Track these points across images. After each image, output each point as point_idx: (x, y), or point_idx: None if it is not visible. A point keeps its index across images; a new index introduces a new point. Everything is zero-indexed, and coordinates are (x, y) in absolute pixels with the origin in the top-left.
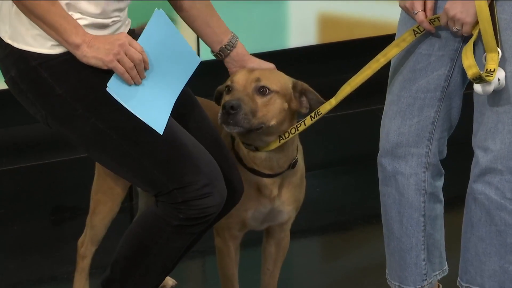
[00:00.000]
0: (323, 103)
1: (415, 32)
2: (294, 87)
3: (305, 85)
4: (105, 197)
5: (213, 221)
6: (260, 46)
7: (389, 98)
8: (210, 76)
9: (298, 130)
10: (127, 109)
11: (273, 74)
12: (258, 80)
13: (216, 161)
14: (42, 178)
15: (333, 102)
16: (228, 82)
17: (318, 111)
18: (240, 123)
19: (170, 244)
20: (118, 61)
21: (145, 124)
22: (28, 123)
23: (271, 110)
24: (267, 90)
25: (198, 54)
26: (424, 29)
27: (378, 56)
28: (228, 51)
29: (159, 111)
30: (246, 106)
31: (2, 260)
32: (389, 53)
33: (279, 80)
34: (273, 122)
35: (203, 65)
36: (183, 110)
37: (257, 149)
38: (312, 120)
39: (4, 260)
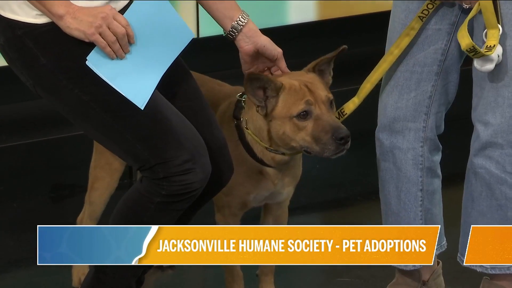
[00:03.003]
0: (332, 57)
1: (421, 18)
2: (313, 70)
3: (313, 63)
4: (103, 173)
5: (202, 201)
6: (260, 22)
7: (386, 72)
8: (208, 53)
9: None
10: None
11: (317, 81)
12: (328, 98)
13: (206, 140)
14: (42, 155)
15: (356, 101)
16: (302, 107)
17: (343, 111)
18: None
19: (155, 221)
20: (100, 34)
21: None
22: (27, 100)
23: None
24: (332, 102)
25: (198, 31)
26: (428, 13)
27: (391, 48)
28: (240, 27)
29: (142, 86)
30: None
31: (1, 237)
32: (401, 43)
33: (325, 85)
34: None
35: (201, 41)
36: (175, 87)
37: (283, 153)
38: None
39: (4, 237)
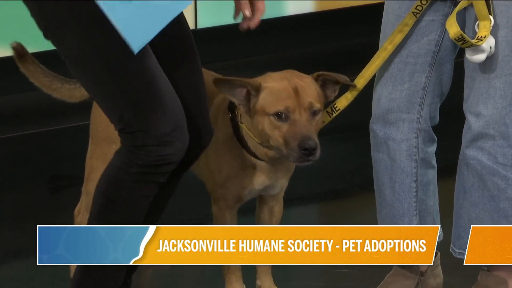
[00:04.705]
0: (338, 82)
1: (415, 13)
2: (316, 79)
3: (320, 73)
4: (99, 163)
5: (185, 168)
6: None
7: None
8: (206, 44)
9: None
10: (117, 38)
11: (310, 87)
12: (311, 105)
13: (192, 112)
14: (40, 146)
15: (349, 96)
16: (280, 108)
17: (335, 106)
18: (317, 158)
19: (134, 194)
20: None
21: (132, 59)
22: (24, 91)
23: (319, 127)
24: (318, 111)
25: (196, 23)
26: (422, 9)
27: (385, 44)
28: None
29: (142, 30)
30: (316, 139)
31: (0, 228)
32: (395, 39)
33: (318, 94)
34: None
35: (200, 32)
36: (179, 59)
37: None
38: (330, 117)
39: (1, 228)
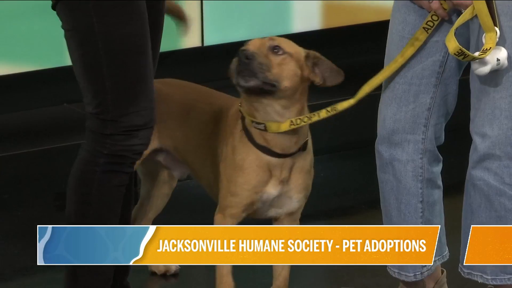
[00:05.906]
0: (337, 71)
1: (426, 29)
2: (306, 56)
3: (318, 54)
4: None
5: None
6: (264, 31)
7: (385, 84)
8: (213, 61)
9: (311, 120)
10: (132, 26)
11: (286, 40)
12: (272, 40)
13: None
14: (47, 163)
15: (351, 101)
16: (242, 48)
17: (335, 107)
18: (256, 72)
19: (105, 185)
20: None
21: (136, 52)
22: (32, 108)
23: (285, 70)
24: (281, 50)
25: (202, 40)
26: (433, 25)
27: (397, 56)
28: None
29: None
30: (261, 58)
31: (6, 245)
32: (406, 52)
33: (293, 45)
34: (286, 84)
35: (206, 50)
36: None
37: (265, 129)
38: (327, 114)
39: (8, 245)
